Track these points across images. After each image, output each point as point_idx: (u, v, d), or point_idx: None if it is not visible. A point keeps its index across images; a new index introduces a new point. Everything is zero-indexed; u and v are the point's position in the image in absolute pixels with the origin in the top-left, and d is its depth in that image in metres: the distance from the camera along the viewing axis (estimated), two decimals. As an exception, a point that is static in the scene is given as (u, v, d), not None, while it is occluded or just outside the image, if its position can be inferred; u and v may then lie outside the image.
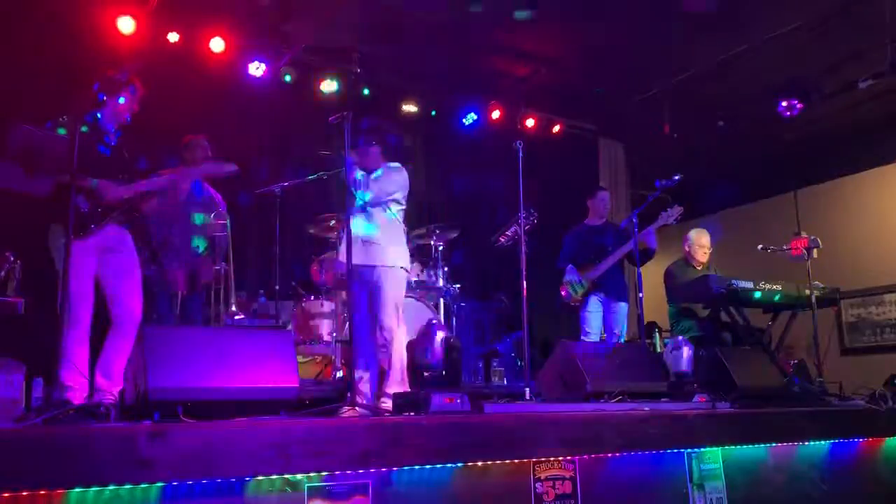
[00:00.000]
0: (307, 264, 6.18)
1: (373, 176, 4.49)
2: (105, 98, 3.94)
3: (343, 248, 4.08)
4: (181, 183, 4.31)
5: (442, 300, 6.14)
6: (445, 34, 6.58)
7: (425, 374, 4.24)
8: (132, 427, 2.37)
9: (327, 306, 5.85)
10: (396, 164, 4.56)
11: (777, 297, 5.38)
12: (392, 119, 7.72)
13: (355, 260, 3.99)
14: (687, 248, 6.28)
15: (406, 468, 2.68)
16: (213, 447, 2.30)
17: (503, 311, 7.08)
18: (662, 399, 4.07)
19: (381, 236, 4.39)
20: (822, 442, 4.00)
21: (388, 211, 4.45)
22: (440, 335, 4.43)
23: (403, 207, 4.56)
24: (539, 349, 6.05)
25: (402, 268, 4.43)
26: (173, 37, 6.25)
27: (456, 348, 4.00)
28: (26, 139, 3.34)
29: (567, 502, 3.05)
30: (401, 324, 4.37)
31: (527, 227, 4.60)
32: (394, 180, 4.47)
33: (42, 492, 2.08)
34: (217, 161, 4.77)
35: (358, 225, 4.33)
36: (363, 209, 4.40)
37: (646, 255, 5.66)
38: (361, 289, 4.41)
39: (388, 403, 3.85)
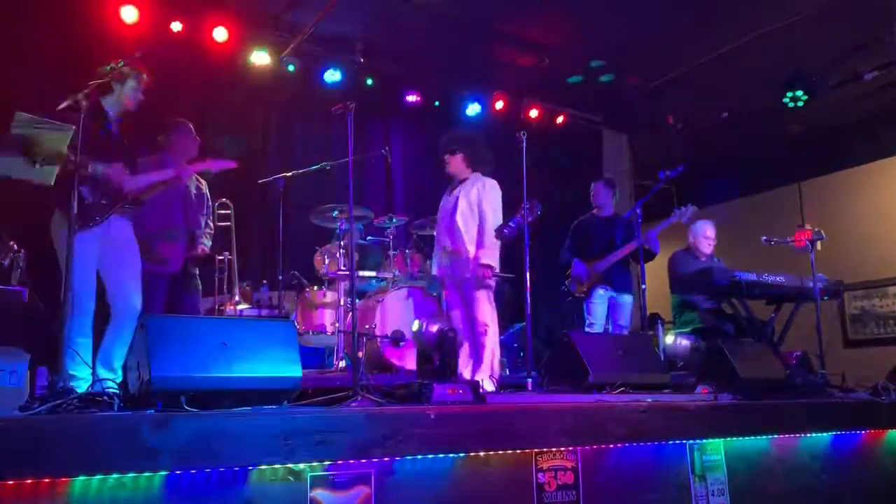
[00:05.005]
0: (310, 254, 6.18)
1: (480, 203, 4.73)
2: (113, 85, 3.93)
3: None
4: (184, 176, 4.31)
5: (445, 291, 6.13)
6: (449, 24, 6.56)
7: (426, 365, 4.25)
8: (136, 416, 2.38)
9: (330, 296, 5.86)
10: (492, 183, 4.83)
11: (780, 289, 5.37)
12: (398, 109, 7.74)
13: (449, 266, 4.68)
14: (691, 239, 6.28)
15: (408, 458, 2.69)
16: (216, 437, 2.31)
17: (506, 302, 7.08)
18: (665, 390, 4.07)
19: (471, 245, 4.68)
20: (824, 434, 4.00)
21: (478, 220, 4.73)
22: (435, 327, 4.45)
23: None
24: (542, 340, 6.04)
25: (491, 274, 4.66)
26: (176, 26, 6.25)
27: (450, 339, 4.02)
28: (28, 127, 3.33)
29: (569, 493, 3.06)
30: (493, 321, 4.66)
31: (530, 219, 4.60)
32: (498, 199, 4.77)
33: (46, 480, 2.09)
34: (216, 158, 4.76)
35: (448, 233, 4.75)
36: (453, 218, 4.73)
37: (647, 256, 5.67)
38: (455, 291, 4.78)
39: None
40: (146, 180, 4.05)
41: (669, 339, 5.87)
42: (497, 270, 4.64)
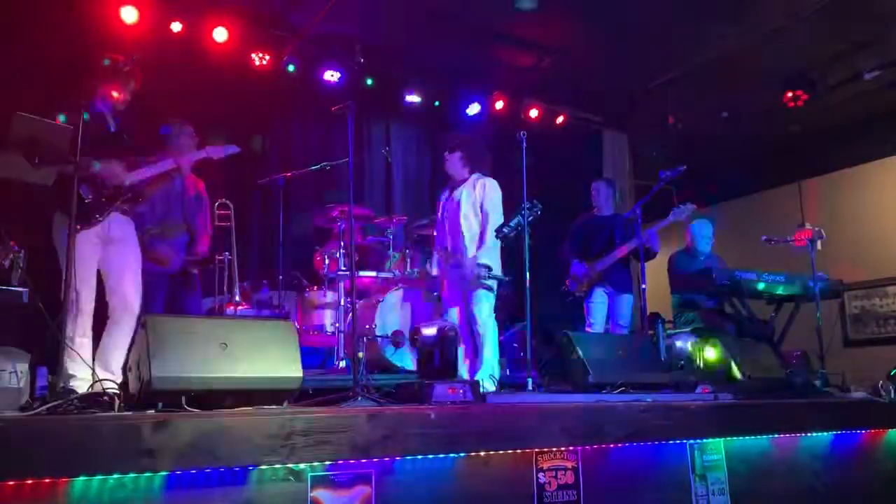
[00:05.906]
0: (310, 254, 6.18)
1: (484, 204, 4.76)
2: (99, 84, 3.92)
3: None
4: (184, 165, 4.28)
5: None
6: (449, 24, 6.55)
7: (426, 365, 4.25)
8: (136, 416, 2.38)
9: (331, 296, 5.86)
10: (493, 183, 4.84)
11: (780, 289, 5.37)
12: (398, 109, 7.73)
13: (449, 266, 4.72)
14: (690, 239, 6.27)
15: (409, 458, 2.69)
16: (216, 437, 2.31)
17: (506, 302, 7.08)
18: (665, 390, 4.07)
19: (472, 245, 4.72)
20: (825, 433, 4.00)
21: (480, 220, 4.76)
22: (435, 327, 4.45)
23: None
24: (542, 340, 6.04)
25: (490, 277, 4.67)
26: (176, 26, 6.24)
27: (450, 339, 4.02)
28: (28, 128, 3.33)
29: (569, 492, 3.06)
30: (492, 320, 4.70)
31: (530, 219, 4.60)
32: (499, 198, 4.80)
33: (46, 480, 2.09)
34: (217, 144, 4.73)
35: (450, 233, 4.79)
36: (456, 219, 4.76)
37: (647, 255, 5.67)
38: (456, 290, 4.82)
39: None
40: (146, 173, 4.04)
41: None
42: (495, 272, 4.64)
